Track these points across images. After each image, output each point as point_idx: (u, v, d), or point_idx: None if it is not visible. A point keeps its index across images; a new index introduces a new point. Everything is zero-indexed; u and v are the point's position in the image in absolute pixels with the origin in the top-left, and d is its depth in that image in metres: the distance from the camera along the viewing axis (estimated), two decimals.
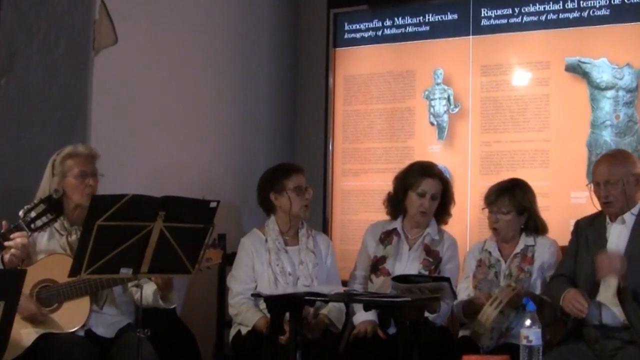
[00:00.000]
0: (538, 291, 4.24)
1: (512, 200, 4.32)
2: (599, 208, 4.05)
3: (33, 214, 3.48)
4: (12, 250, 3.53)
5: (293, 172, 4.58)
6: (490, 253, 4.38)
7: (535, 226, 4.36)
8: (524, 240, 4.35)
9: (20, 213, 3.50)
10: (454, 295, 4.19)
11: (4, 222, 3.55)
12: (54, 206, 3.51)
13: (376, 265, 4.57)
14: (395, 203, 4.64)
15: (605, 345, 3.88)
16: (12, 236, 3.51)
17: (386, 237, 4.61)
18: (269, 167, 4.82)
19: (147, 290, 3.98)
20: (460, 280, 4.52)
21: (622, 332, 3.85)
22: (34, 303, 3.82)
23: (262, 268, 4.51)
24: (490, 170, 5.07)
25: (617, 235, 3.97)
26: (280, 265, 4.50)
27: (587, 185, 4.05)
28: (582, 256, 4.04)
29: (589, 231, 4.07)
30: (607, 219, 4.03)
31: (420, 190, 4.52)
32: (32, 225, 3.49)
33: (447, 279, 4.13)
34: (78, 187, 4.00)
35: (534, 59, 5.00)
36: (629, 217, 3.97)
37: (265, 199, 4.62)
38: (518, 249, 4.34)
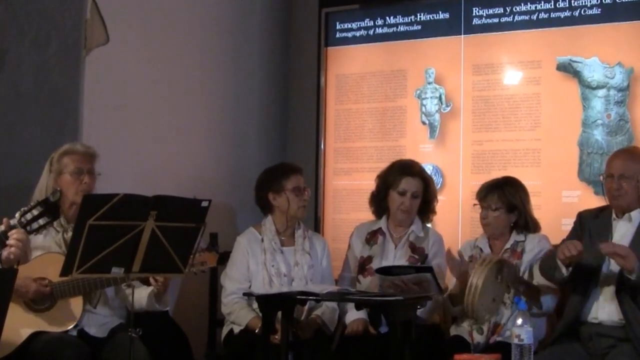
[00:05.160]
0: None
1: (502, 197, 4.31)
2: (607, 202, 4.01)
3: (29, 216, 3.46)
4: (12, 249, 3.50)
5: (292, 173, 4.57)
6: (481, 249, 4.38)
7: (525, 224, 4.34)
8: (515, 237, 4.35)
9: (17, 215, 3.48)
10: (439, 288, 4.19)
11: (4, 220, 3.52)
12: (51, 209, 3.49)
13: (363, 266, 4.57)
14: (378, 202, 4.65)
15: (599, 343, 3.87)
16: (9, 234, 3.49)
17: (372, 237, 4.62)
18: (260, 166, 4.82)
19: (140, 294, 3.97)
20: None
21: (617, 329, 3.84)
22: (33, 281, 3.79)
23: (257, 268, 4.50)
24: (482, 169, 5.08)
25: (622, 233, 3.94)
26: (275, 266, 4.49)
27: (600, 175, 4.04)
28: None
29: (592, 224, 4.04)
30: (614, 215, 4.00)
31: (400, 189, 4.53)
32: (28, 228, 3.47)
33: (430, 269, 4.14)
34: (73, 184, 3.98)
35: (526, 58, 5.01)
36: (635, 215, 3.95)
37: (262, 198, 4.59)
38: (508, 245, 4.33)
